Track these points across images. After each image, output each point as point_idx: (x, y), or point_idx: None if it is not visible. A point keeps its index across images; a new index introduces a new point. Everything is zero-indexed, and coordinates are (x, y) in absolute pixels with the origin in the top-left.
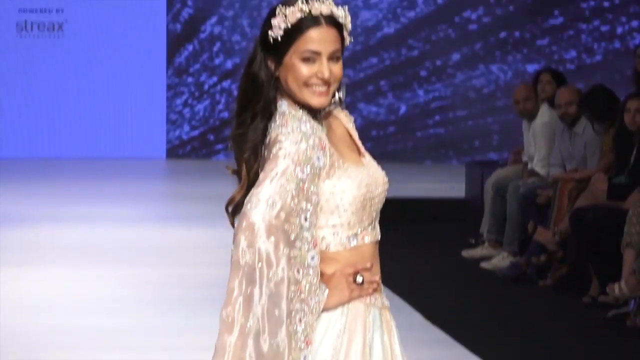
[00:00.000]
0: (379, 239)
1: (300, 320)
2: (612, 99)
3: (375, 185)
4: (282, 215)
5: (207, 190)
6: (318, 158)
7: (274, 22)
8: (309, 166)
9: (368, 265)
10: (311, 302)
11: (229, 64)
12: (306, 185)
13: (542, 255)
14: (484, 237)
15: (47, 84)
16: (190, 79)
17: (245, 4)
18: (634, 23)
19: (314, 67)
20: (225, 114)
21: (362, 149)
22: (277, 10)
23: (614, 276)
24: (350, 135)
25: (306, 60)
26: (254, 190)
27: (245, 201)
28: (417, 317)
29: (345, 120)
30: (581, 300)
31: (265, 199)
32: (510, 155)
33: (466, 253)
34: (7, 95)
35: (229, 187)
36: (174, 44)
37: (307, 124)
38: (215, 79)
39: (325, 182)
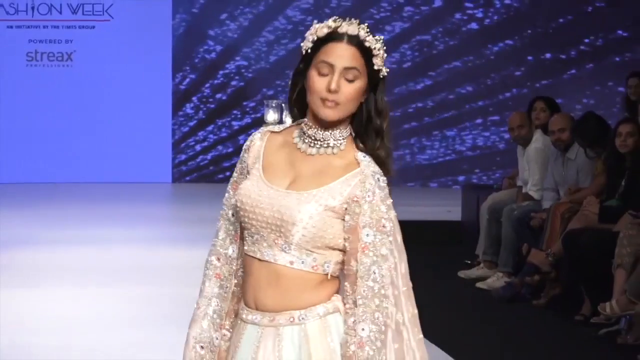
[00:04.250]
0: (268, 260)
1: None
2: (603, 126)
3: (254, 205)
4: (221, 210)
5: (211, 213)
6: (244, 160)
7: (307, 35)
8: (239, 166)
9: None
10: (228, 290)
11: (234, 89)
12: (236, 183)
13: (536, 276)
14: (479, 258)
15: (56, 112)
16: (196, 104)
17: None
18: None
19: (326, 79)
20: (230, 140)
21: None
22: (312, 26)
23: (605, 296)
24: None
25: (320, 71)
26: None
27: None
28: None
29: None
30: (574, 318)
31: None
32: (505, 180)
33: (463, 273)
34: (18, 123)
35: None
36: (180, 69)
37: (267, 128)
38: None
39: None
